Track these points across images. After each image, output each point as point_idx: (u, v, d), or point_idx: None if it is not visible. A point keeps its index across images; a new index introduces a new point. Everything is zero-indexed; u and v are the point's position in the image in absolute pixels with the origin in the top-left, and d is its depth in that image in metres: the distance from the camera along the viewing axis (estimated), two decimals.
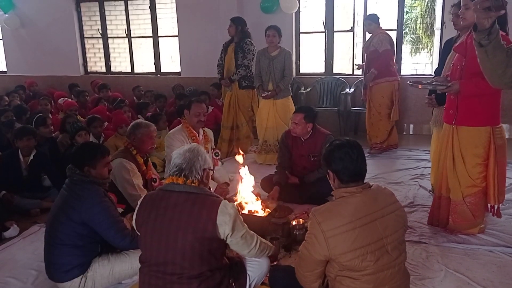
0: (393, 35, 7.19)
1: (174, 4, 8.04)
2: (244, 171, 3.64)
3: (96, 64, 9.18)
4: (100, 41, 8.99)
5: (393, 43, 6.20)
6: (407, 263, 2.37)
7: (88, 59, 9.15)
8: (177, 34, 8.16)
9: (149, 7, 8.41)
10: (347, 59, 7.59)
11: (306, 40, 7.76)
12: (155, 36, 8.53)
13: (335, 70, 7.60)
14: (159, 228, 2.26)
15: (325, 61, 7.56)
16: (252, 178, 3.65)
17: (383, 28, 6.08)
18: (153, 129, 3.87)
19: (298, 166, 4.40)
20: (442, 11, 6.75)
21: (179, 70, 8.39)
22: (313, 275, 2.28)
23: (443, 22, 6.67)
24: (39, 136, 5.00)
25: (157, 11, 8.42)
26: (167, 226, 2.25)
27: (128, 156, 3.71)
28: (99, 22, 8.89)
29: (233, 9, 7.14)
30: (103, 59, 9.08)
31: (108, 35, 8.92)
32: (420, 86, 3.54)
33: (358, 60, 7.52)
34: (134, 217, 2.40)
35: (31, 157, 4.57)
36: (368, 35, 6.38)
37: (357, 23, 7.45)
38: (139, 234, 2.38)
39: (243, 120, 6.16)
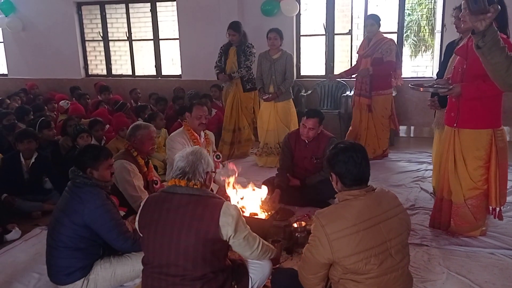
0: (394, 37, 7.20)
1: (175, 7, 8.06)
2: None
3: (97, 67, 9.20)
4: (101, 44, 9.00)
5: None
6: (409, 266, 2.37)
7: (89, 62, 9.16)
8: (177, 37, 8.18)
9: (150, 10, 8.43)
10: (346, 62, 7.60)
11: (307, 42, 7.77)
12: (156, 39, 8.54)
13: (335, 73, 7.60)
14: (161, 230, 2.27)
15: (325, 63, 7.58)
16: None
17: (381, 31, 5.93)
18: (153, 130, 3.90)
19: (300, 168, 4.41)
20: (443, 14, 6.76)
21: (180, 73, 8.40)
22: (316, 278, 2.27)
23: (443, 25, 6.68)
24: (42, 139, 5.02)
25: (158, 14, 8.43)
26: (169, 228, 2.25)
27: (129, 157, 3.72)
28: (100, 25, 8.91)
29: (233, 12, 7.16)
30: (104, 62, 9.09)
31: (109, 38, 8.93)
32: (421, 89, 3.56)
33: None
34: (137, 219, 2.40)
35: (33, 160, 4.57)
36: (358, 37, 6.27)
37: (357, 25, 7.46)
38: (141, 236, 2.38)
39: (245, 123, 6.18)
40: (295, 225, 3.52)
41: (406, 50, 11.83)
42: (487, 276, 3.08)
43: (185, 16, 7.95)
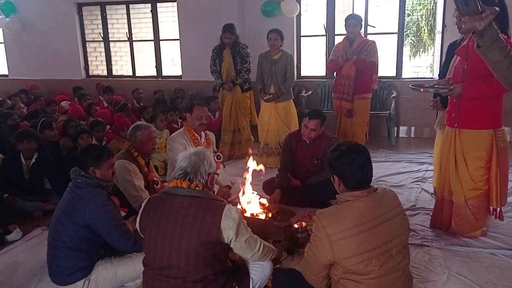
0: (394, 38, 7.23)
1: (176, 7, 8.06)
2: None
3: (98, 68, 9.20)
4: (102, 44, 9.01)
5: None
6: (409, 266, 2.37)
7: (89, 63, 9.17)
8: (178, 38, 8.19)
9: (151, 10, 8.44)
10: None
11: (307, 43, 7.78)
12: (157, 40, 8.55)
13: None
14: (163, 232, 2.27)
15: (326, 64, 7.58)
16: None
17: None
18: (153, 130, 3.92)
19: (301, 169, 4.41)
20: (443, 15, 6.76)
21: (180, 74, 8.40)
22: (320, 277, 2.28)
23: (444, 25, 6.68)
24: (43, 139, 5.02)
25: (159, 14, 8.44)
26: (171, 230, 2.25)
27: (130, 157, 3.74)
28: (100, 26, 8.91)
29: (234, 12, 7.17)
30: (104, 63, 9.10)
31: (110, 39, 8.94)
32: (422, 90, 3.56)
33: None
34: (138, 219, 2.41)
35: (33, 160, 4.57)
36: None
37: None
38: (142, 236, 2.38)
39: (245, 123, 6.19)
40: (295, 225, 3.52)
41: (406, 51, 11.81)
42: (488, 277, 3.08)
43: (185, 17, 7.96)
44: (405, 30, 7.85)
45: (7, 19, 9.01)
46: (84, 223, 2.74)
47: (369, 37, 7.17)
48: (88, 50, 9.10)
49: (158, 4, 8.38)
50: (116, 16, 8.81)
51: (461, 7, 2.27)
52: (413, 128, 7.27)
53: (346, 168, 2.21)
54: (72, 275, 2.78)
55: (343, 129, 5.44)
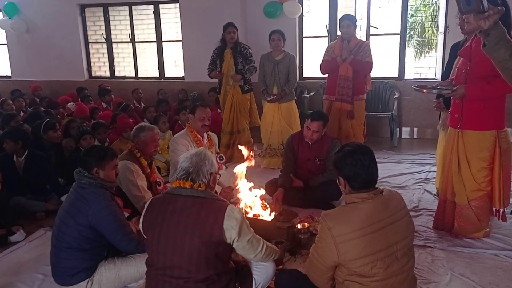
0: (397, 39, 7.23)
1: (178, 9, 8.07)
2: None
3: (100, 69, 9.22)
4: (104, 46, 9.02)
5: None
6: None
7: (92, 64, 9.18)
8: (181, 39, 8.20)
9: (153, 12, 8.45)
10: None
11: (310, 44, 7.78)
12: (159, 41, 8.56)
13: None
14: (166, 232, 2.27)
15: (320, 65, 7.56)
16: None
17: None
18: (157, 132, 3.93)
19: (303, 170, 4.41)
20: (446, 16, 6.75)
21: (183, 75, 8.41)
22: (325, 278, 2.28)
23: (446, 26, 6.67)
24: (47, 140, 5.03)
25: (161, 16, 8.45)
26: (174, 230, 2.26)
27: (132, 158, 3.75)
28: (103, 27, 8.93)
29: (236, 14, 7.18)
30: (107, 64, 9.11)
31: (112, 40, 8.96)
32: (425, 91, 3.55)
33: None
34: (141, 220, 2.41)
35: (23, 158, 4.60)
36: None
37: (359, 27, 7.45)
38: (145, 237, 2.39)
39: (245, 125, 6.16)
40: (298, 226, 3.52)
41: (411, 52, 11.82)
42: (491, 278, 3.08)
43: (188, 18, 7.96)
44: (409, 30, 7.85)
45: (11, 20, 9.04)
46: (87, 224, 2.75)
47: (372, 38, 7.25)
48: (91, 51, 9.12)
49: (161, 6, 8.39)
50: (119, 17, 8.83)
51: (462, 5, 2.27)
52: (415, 129, 7.26)
53: (351, 168, 2.21)
54: (75, 276, 2.79)
55: (345, 131, 5.38)
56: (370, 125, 7.24)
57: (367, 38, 7.26)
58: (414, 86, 3.60)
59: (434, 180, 4.75)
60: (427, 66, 10.02)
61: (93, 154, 2.93)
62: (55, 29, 8.95)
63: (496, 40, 2.36)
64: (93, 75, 9.21)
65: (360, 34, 7.36)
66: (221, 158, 4.55)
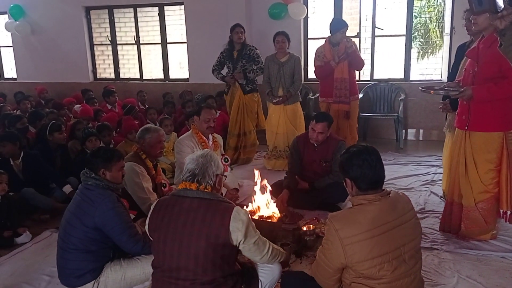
0: (402, 40, 7.21)
1: (183, 11, 8.09)
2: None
3: (105, 71, 9.24)
4: (109, 47, 9.05)
5: None
6: None
7: (97, 66, 9.21)
8: (185, 41, 8.21)
9: (158, 14, 8.47)
10: None
11: (315, 46, 7.74)
12: (164, 43, 8.58)
13: None
14: (172, 234, 2.27)
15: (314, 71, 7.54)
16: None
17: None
18: (162, 134, 3.93)
19: (309, 172, 4.40)
20: (452, 17, 6.73)
21: (188, 76, 8.42)
22: (332, 280, 2.27)
23: (452, 27, 6.65)
24: (52, 142, 5.04)
25: (166, 18, 8.47)
26: (180, 232, 2.25)
27: (138, 160, 3.76)
28: (108, 29, 8.95)
29: (241, 15, 7.18)
30: (112, 66, 9.14)
31: (117, 42, 8.98)
32: (432, 92, 3.54)
33: None
34: (147, 222, 2.40)
35: (20, 160, 4.61)
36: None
37: (365, 28, 7.44)
38: (151, 239, 2.38)
39: (251, 127, 6.16)
40: (304, 228, 3.51)
41: (414, 53, 11.77)
42: (498, 280, 3.06)
43: (192, 20, 7.98)
44: (412, 32, 7.83)
45: (16, 22, 9.08)
46: (93, 225, 2.75)
47: (377, 40, 7.23)
48: (96, 53, 9.15)
49: (166, 8, 8.41)
50: (124, 19, 8.85)
51: (474, 6, 2.27)
52: (421, 131, 7.23)
53: (357, 169, 2.19)
54: (81, 277, 2.79)
55: (343, 131, 5.50)
56: (375, 127, 7.27)
57: (372, 40, 7.26)
58: (421, 88, 3.59)
59: (441, 182, 4.73)
60: (432, 68, 9.98)
61: (100, 155, 2.93)
62: (60, 31, 8.99)
63: (511, 40, 2.34)
64: (98, 77, 9.24)
65: (367, 36, 7.37)
66: (226, 160, 4.55)
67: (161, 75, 8.78)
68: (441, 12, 9.08)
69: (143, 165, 3.75)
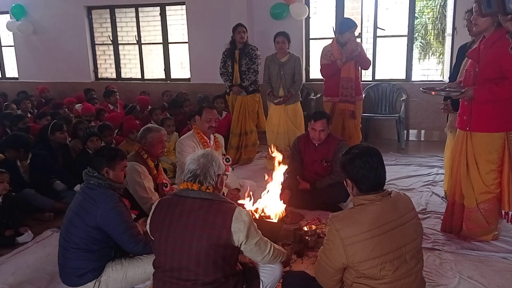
0: (404, 41, 7.21)
1: (184, 11, 8.10)
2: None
3: (107, 71, 9.25)
4: (111, 47, 9.06)
5: None
6: None
7: (98, 66, 9.22)
8: (187, 41, 8.22)
9: (160, 14, 8.47)
10: None
11: (316, 46, 7.76)
12: (165, 43, 8.58)
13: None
14: (173, 234, 2.27)
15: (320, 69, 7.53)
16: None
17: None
18: (163, 134, 3.93)
19: (310, 172, 4.40)
20: (453, 17, 6.72)
21: (189, 76, 8.43)
22: (333, 280, 2.27)
23: (454, 28, 6.64)
24: (54, 141, 5.04)
25: (167, 17, 8.47)
26: (181, 232, 2.25)
27: (139, 160, 3.76)
28: (110, 29, 8.96)
29: (243, 15, 7.17)
30: (113, 65, 9.14)
31: (119, 42, 8.99)
32: (433, 93, 3.53)
33: None
34: (148, 221, 2.41)
35: (28, 161, 4.61)
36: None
37: (366, 29, 7.44)
38: (153, 239, 2.38)
39: (252, 127, 6.16)
40: (305, 228, 3.52)
41: (415, 54, 11.76)
42: (500, 281, 3.05)
43: (194, 20, 7.98)
44: (414, 32, 7.82)
45: (18, 22, 9.09)
46: (95, 225, 2.75)
47: (379, 40, 7.23)
48: (97, 53, 9.16)
49: (167, 7, 8.41)
50: (125, 19, 8.86)
51: (483, 8, 2.26)
52: (423, 131, 7.22)
53: (359, 171, 2.19)
54: (83, 276, 2.79)
55: (348, 131, 5.46)
56: (377, 127, 7.26)
57: (374, 40, 7.25)
58: (423, 88, 3.58)
59: (442, 182, 4.72)
60: (433, 68, 9.98)
61: (104, 154, 2.94)
62: (62, 31, 9.00)
63: None
64: (99, 76, 9.25)
65: (368, 36, 7.37)
66: (227, 160, 4.54)
67: (162, 75, 8.78)
68: (441, 14, 9.07)
69: (144, 164, 3.75)
